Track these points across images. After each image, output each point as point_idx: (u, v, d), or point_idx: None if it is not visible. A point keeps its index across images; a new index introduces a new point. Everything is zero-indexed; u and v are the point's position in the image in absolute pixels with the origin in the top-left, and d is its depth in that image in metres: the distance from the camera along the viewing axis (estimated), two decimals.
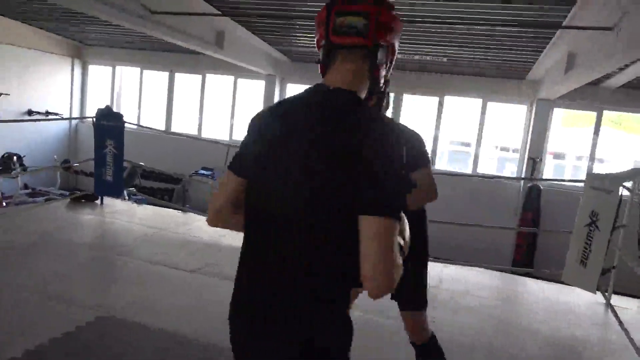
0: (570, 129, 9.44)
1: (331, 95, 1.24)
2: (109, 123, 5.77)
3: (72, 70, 10.96)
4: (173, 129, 10.64)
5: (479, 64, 8.07)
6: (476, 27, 6.06)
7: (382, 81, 1.32)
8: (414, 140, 2.19)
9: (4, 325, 2.96)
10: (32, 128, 10.01)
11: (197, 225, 5.64)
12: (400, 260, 1.14)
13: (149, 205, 6.70)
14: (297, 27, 7.44)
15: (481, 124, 8.99)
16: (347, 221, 1.11)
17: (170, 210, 6.53)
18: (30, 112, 9.97)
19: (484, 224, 6.69)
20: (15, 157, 9.20)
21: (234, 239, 5.21)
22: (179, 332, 3.10)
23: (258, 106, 9.96)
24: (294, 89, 10.11)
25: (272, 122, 1.28)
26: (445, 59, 8.13)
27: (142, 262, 4.34)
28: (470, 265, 5.41)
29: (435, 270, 5.13)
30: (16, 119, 9.42)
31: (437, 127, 9.18)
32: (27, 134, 9.82)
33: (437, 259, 5.66)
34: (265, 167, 1.22)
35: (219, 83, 10.44)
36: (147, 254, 4.55)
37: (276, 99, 9.93)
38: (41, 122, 10.17)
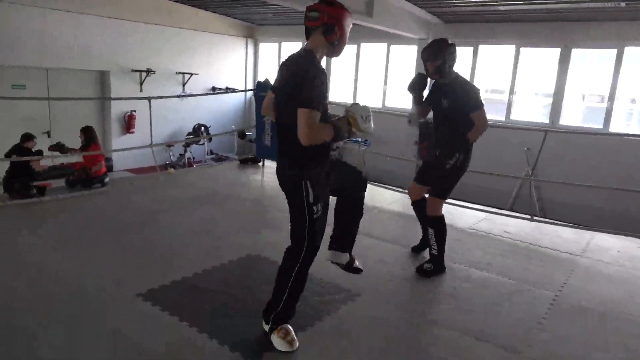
0: None
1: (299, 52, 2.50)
2: (266, 94, 6.52)
3: (246, 48, 12.36)
4: (331, 98, 11.27)
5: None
6: None
7: (334, 41, 2.45)
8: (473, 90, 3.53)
9: (172, 257, 3.80)
10: (215, 102, 11.69)
11: None
12: (312, 131, 2.29)
13: None
14: None
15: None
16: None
17: None
18: (214, 89, 11.64)
19: None
20: (202, 128, 10.92)
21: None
22: None
23: (410, 72, 9.97)
24: None
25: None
26: (623, 4, 7.05)
27: (284, 213, 4.94)
28: (625, 235, 4.84)
29: (584, 238, 4.77)
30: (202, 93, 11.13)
31: (614, 84, 8.04)
32: (212, 108, 11.52)
33: (582, 226, 5.23)
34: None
35: (373, 51, 10.69)
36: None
37: None
38: (222, 96, 11.79)
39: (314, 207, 2.51)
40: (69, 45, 8.71)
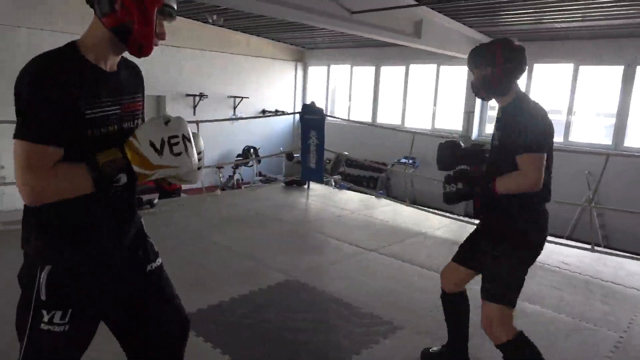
0: None
1: None
2: (311, 117, 6.54)
3: (295, 72, 12.54)
4: (379, 120, 11.23)
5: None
6: None
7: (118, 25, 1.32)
8: None
9: (208, 279, 3.78)
10: (265, 124, 11.89)
11: (382, 209, 5.96)
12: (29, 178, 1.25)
13: (347, 191, 7.32)
14: (501, 5, 7.01)
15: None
16: None
17: (365, 195, 7.01)
18: (263, 111, 11.84)
19: None
20: (252, 149, 11.09)
21: (410, 223, 5.39)
22: (344, 298, 3.46)
23: (460, 93, 9.72)
24: None
25: None
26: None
27: (326, 237, 4.89)
28: None
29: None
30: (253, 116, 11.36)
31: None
32: (262, 130, 11.71)
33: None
34: None
35: (422, 72, 10.54)
36: (333, 230, 5.08)
37: None
38: (271, 118, 11.98)
39: (44, 312, 1.39)
40: None
